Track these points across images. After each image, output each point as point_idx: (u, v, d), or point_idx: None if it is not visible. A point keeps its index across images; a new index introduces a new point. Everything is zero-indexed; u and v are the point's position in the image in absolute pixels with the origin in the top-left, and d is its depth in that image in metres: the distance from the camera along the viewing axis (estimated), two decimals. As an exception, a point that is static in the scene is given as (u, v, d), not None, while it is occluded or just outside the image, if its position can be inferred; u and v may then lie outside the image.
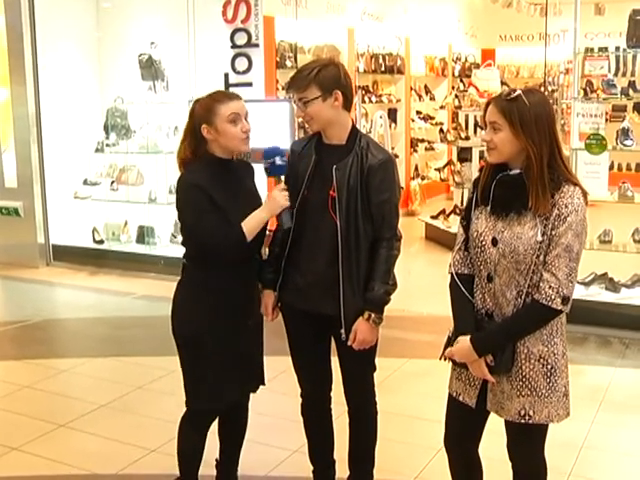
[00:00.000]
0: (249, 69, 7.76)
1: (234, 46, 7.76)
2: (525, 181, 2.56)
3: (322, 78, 3.05)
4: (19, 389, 5.13)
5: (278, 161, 3.10)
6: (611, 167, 12.12)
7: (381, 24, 10.67)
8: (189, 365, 3.23)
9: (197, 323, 3.16)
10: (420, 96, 12.50)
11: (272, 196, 3.07)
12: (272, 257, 3.33)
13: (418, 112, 12.53)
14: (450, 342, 2.77)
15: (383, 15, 10.67)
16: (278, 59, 8.52)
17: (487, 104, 2.65)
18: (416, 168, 12.48)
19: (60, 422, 4.55)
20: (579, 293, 6.17)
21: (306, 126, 3.57)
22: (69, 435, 4.42)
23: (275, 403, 4.83)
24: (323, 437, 3.61)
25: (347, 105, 3.14)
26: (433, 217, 9.97)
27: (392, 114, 11.29)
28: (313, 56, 9.41)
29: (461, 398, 2.82)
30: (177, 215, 3.15)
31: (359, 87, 10.31)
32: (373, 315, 3.15)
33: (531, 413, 2.65)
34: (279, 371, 5.35)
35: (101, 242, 8.66)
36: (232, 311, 3.15)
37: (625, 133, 6.13)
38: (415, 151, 12.36)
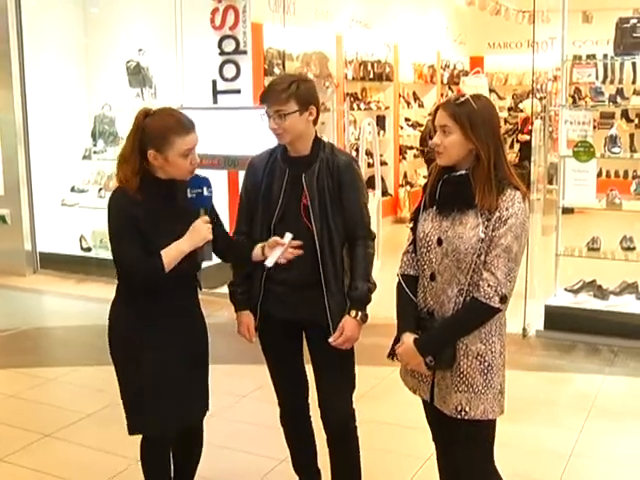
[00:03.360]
0: (237, 76, 7.72)
1: (222, 53, 7.73)
2: (469, 180, 2.67)
3: (301, 93, 3.10)
4: (4, 398, 5.08)
5: (205, 192, 3.01)
6: (599, 174, 12.20)
7: (370, 31, 10.67)
8: (126, 386, 3.13)
9: (129, 345, 3.06)
10: (409, 103, 12.51)
11: (195, 228, 2.96)
12: (238, 277, 3.36)
13: (407, 119, 12.53)
14: (396, 342, 2.88)
15: (372, 22, 10.68)
16: (266, 66, 8.50)
17: (436, 109, 2.78)
18: (405, 175, 12.48)
19: (45, 432, 4.51)
20: (567, 300, 6.19)
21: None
22: (54, 445, 4.38)
23: (262, 411, 4.80)
24: (305, 445, 3.62)
25: (316, 119, 3.21)
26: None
27: (381, 121, 11.28)
28: (301, 63, 9.42)
29: (417, 394, 2.92)
30: None
31: (347, 94, 10.33)
32: (360, 313, 3.21)
33: (467, 409, 2.72)
34: (265, 380, 5.35)
35: (88, 250, 8.60)
36: (169, 333, 3.05)
37: (613, 140, 6.15)
38: (404, 158, 12.36)
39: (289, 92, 3.07)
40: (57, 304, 7.76)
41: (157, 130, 2.91)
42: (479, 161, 2.66)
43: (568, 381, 5.41)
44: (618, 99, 12.39)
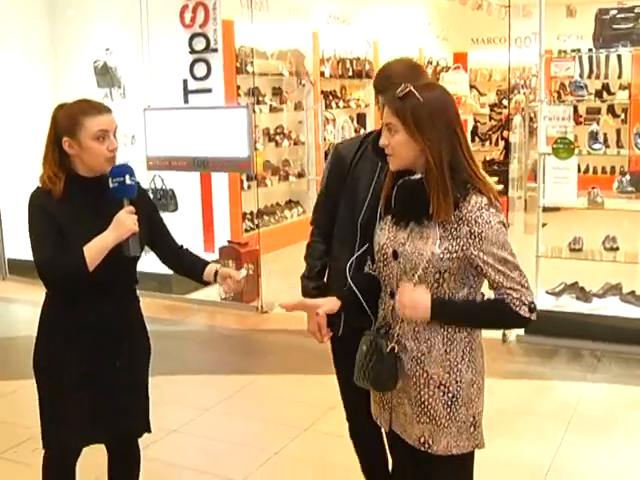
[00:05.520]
0: (208, 75, 7.53)
1: (192, 51, 7.54)
2: (424, 187, 2.36)
3: None
4: (-44, 416, 4.83)
5: (128, 180, 2.76)
6: (586, 170, 12.04)
7: (348, 27, 10.41)
8: (45, 400, 2.92)
9: (53, 354, 2.86)
10: (390, 101, 12.27)
11: (118, 219, 2.72)
12: (312, 269, 3.12)
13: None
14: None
15: (350, 18, 10.42)
16: (238, 64, 8.26)
17: (383, 106, 2.46)
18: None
19: (-6, 452, 4.26)
20: (549, 303, 5.96)
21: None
22: (2, 467, 4.13)
23: (224, 427, 4.60)
24: (376, 459, 3.30)
25: None
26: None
27: (361, 119, 11.05)
28: (277, 61, 9.17)
29: (378, 422, 2.64)
30: None
31: (324, 92, 10.10)
32: None
33: (430, 442, 2.44)
34: (233, 391, 5.14)
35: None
36: (92, 347, 2.83)
37: (594, 137, 5.92)
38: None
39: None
40: (26, 312, 7.47)
41: (68, 116, 2.76)
42: (429, 163, 2.34)
43: (549, 389, 5.17)
44: (604, 94, 12.32)
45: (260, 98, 8.91)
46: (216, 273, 2.96)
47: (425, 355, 2.42)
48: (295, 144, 9.60)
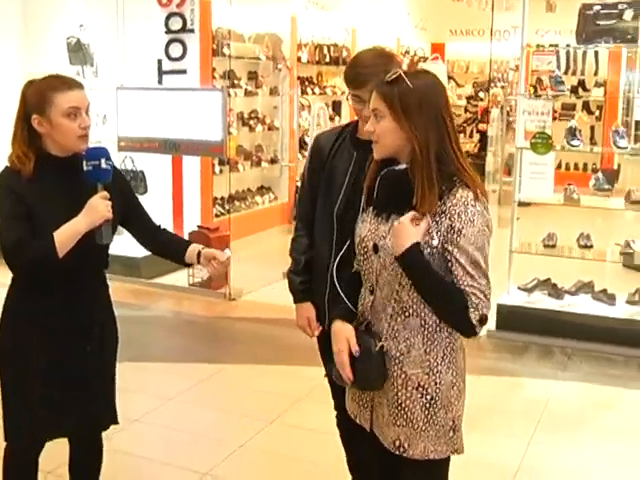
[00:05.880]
0: (183, 56, 7.39)
1: (168, 31, 7.39)
2: (409, 177, 2.25)
3: None
4: None
5: (103, 164, 2.62)
6: (559, 166, 12.02)
7: (326, 13, 10.27)
8: (9, 388, 2.78)
9: (19, 338, 2.73)
10: (367, 89, 12.17)
11: (92, 204, 2.58)
12: (297, 263, 3.07)
13: (364, 105, 12.20)
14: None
15: (329, 4, 10.28)
16: (215, 46, 8.10)
17: (370, 92, 2.35)
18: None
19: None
20: (520, 299, 5.92)
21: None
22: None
23: (188, 416, 4.49)
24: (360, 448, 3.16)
25: None
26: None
27: (336, 106, 10.94)
28: (253, 44, 9.02)
29: (357, 420, 2.53)
30: None
31: (301, 78, 9.97)
32: None
33: (406, 445, 2.34)
34: (199, 380, 5.03)
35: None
36: (61, 332, 2.71)
37: (572, 133, 5.86)
38: (361, 145, 12.03)
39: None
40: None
41: (37, 92, 2.63)
42: (415, 152, 2.24)
43: (519, 386, 5.13)
44: (580, 90, 12.30)
45: (235, 81, 8.76)
46: (199, 254, 2.84)
47: (404, 355, 2.32)
48: (269, 129, 9.47)
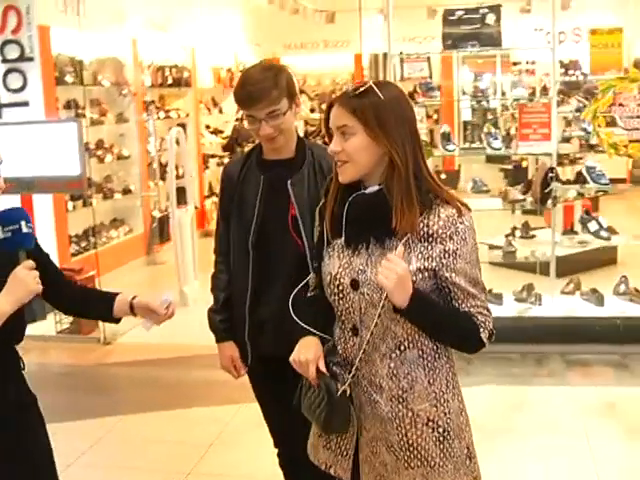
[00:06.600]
0: (24, 86, 6.87)
1: (5, 60, 6.87)
2: (387, 199, 2.05)
3: (288, 85, 2.62)
4: None
5: (24, 228, 2.21)
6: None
7: (165, 34, 9.90)
8: None
9: None
10: (209, 109, 11.89)
11: (17, 278, 2.16)
12: (217, 301, 2.91)
13: (207, 126, 11.92)
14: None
15: (167, 25, 9.91)
16: (57, 74, 7.58)
17: (329, 107, 2.12)
18: (210, 186, 11.86)
19: None
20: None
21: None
22: None
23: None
24: None
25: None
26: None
27: (183, 130, 10.58)
28: (95, 70, 8.52)
29: (332, 471, 2.28)
30: None
31: (146, 102, 9.56)
32: None
33: None
34: (95, 437, 4.57)
35: None
36: None
37: (447, 137, 5.88)
38: (207, 168, 11.72)
39: (280, 87, 2.57)
40: None
41: None
42: (394, 169, 2.04)
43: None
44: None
45: (79, 111, 8.25)
46: (131, 306, 2.48)
47: (407, 392, 2.12)
48: (119, 159, 8.99)
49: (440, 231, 2.04)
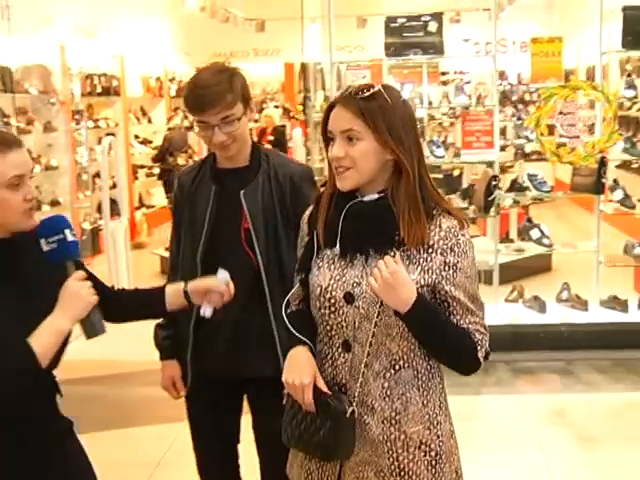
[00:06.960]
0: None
1: None
2: (390, 207, 1.95)
3: (242, 88, 2.49)
4: None
5: (69, 236, 2.04)
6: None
7: (94, 41, 9.62)
8: None
9: None
10: (138, 119, 11.64)
11: (70, 291, 1.98)
12: (167, 320, 2.71)
13: (136, 136, 11.68)
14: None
15: (94, 31, 9.64)
16: (-18, 82, 7.27)
17: (328, 109, 2.01)
18: (140, 197, 11.61)
19: None
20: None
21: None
22: None
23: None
24: None
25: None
26: (167, 249, 9.18)
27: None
28: (21, 79, 8.20)
29: None
30: None
31: (72, 111, 9.26)
32: None
33: None
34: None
35: None
36: None
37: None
38: (136, 178, 11.47)
39: (234, 91, 2.43)
40: None
41: None
42: (401, 176, 1.95)
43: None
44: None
45: (5, 119, 7.92)
46: (186, 294, 2.32)
47: (401, 414, 2.01)
48: (47, 169, 8.68)
49: (441, 242, 1.97)
